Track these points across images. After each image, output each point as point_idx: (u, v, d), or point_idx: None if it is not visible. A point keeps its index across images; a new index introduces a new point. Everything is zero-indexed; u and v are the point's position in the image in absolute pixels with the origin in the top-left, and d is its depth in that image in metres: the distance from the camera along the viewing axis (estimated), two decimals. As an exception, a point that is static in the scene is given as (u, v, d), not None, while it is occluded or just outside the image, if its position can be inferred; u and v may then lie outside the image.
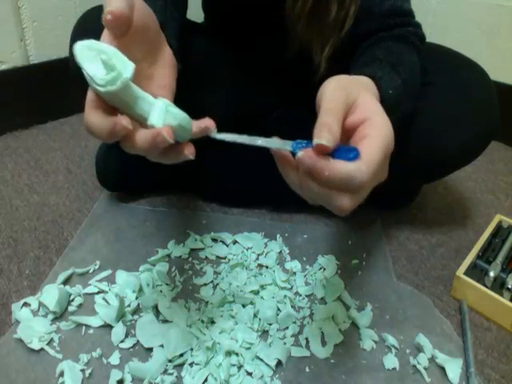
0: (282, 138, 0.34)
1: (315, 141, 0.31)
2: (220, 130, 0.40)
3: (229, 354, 0.50)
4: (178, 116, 0.36)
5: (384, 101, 0.42)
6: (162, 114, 0.35)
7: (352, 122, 0.34)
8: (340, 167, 0.30)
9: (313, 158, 0.31)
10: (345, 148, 0.32)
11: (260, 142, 0.36)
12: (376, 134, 0.33)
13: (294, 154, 0.33)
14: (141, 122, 0.36)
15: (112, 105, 0.34)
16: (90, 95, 0.34)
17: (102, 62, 0.32)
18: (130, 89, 0.34)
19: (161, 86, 0.42)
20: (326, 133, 0.31)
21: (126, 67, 0.33)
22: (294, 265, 0.65)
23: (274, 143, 0.35)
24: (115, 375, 0.47)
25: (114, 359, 0.49)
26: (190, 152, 0.38)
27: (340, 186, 0.31)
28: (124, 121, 0.33)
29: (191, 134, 0.38)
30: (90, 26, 0.63)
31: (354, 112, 0.34)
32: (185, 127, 0.37)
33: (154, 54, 0.42)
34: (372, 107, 0.35)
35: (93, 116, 0.34)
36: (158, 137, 0.34)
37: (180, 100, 0.46)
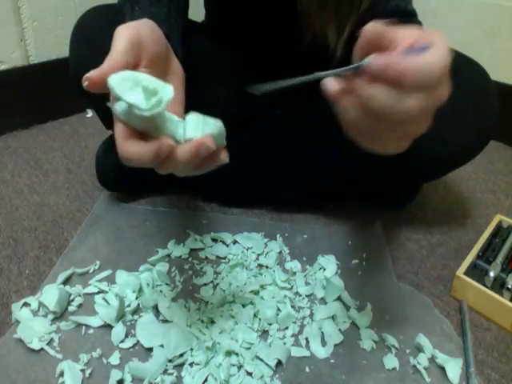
0: (282, 137, 0.34)
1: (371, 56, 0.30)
2: None
3: (229, 353, 0.50)
4: (217, 124, 0.38)
5: None
6: (198, 126, 0.37)
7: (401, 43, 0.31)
8: (417, 58, 0.28)
9: (385, 55, 0.29)
10: (414, 48, 0.29)
11: (310, 77, 0.34)
12: (440, 41, 0.30)
13: (356, 71, 0.31)
14: None
15: (142, 130, 0.35)
16: (119, 128, 0.35)
17: (142, 89, 0.34)
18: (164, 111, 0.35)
19: (175, 101, 0.43)
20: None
21: (164, 89, 0.34)
22: (294, 265, 0.65)
23: (324, 73, 0.33)
24: (115, 375, 0.47)
25: (114, 359, 0.49)
26: (225, 156, 0.39)
27: (418, 81, 0.29)
28: (167, 140, 0.34)
29: (225, 140, 0.39)
30: (89, 26, 0.63)
31: (402, 37, 0.31)
32: (222, 133, 0.38)
33: (165, 70, 0.44)
34: (417, 30, 0.32)
35: (131, 145, 0.34)
36: (202, 146, 0.35)
37: None
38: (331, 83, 0.33)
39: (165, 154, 0.35)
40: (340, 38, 0.57)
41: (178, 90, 0.45)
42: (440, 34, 0.31)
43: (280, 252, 0.67)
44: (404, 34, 0.31)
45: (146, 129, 0.35)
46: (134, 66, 0.38)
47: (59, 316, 0.54)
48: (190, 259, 0.65)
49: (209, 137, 0.36)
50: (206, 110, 0.41)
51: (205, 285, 0.60)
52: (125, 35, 0.38)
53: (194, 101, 0.50)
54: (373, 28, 0.32)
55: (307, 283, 0.62)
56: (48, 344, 0.51)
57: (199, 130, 0.37)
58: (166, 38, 0.45)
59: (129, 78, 0.34)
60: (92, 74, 0.35)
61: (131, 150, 0.34)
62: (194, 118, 0.38)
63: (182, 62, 0.47)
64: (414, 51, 0.29)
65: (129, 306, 0.56)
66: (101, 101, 0.39)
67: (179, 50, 0.47)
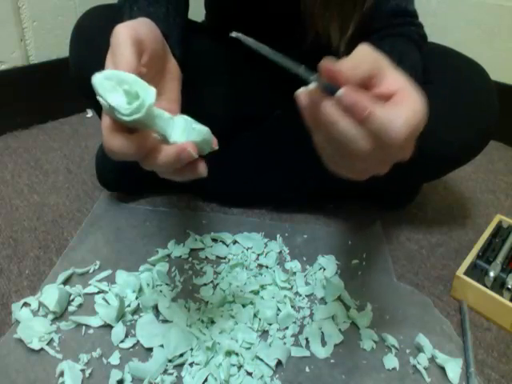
0: (282, 138, 0.34)
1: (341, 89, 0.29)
2: (219, 129, 0.40)
3: (229, 353, 0.50)
4: (201, 132, 0.37)
5: None
6: (184, 130, 0.36)
7: (384, 90, 0.32)
8: (382, 110, 0.29)
9: (358, 93, 0.29)
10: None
11: (284, 60, 0.33)
12: (410, 104, 0.31)
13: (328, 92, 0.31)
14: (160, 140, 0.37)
15: (131, 126, 0.35)
16: (105, 120, 0.35)
17: (124, 91, 0.33)
18: (150, 111, 0.35)
19: (170, 100, 0.43)
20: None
21: (147, 93, 0.34)
22: (294, 265, 0.65)
23: (291, 64, 0.32)
24: (115, 375, 0.47)
25: (114, 359, 0.49)
26: (203, 169, 0.38)
27: (379, 132, 0.29)
28: (151, 134, 0.34)
29: (212, 147, 0.39)
30: (90, 25, 0.63)
31: (385, 79, 0.32)
32: (208, 141, 0.38)
33: (162, 70, 0.44)
34: (404, 80, 0.32)
35: (115, 139, 0.34)
36: (184, 152, 0.35)
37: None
38: (303, 96, 0.32)
39: (147, 148, 0.34)
40: (343, 37, 0.57)
41: (174, 88, 0.45)
42: (418, 99, 0.31)
43: (280, 252, 0.67)
44: (392, 79, 0.31)
45: (133, 126, 0.35)
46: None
47: (59, 316, 0.54)
48: (190, 259, 0.65)
49: (192, 144, 0.36)
50: (206, 109, 0.41)
51: (205, 285, 0.60)
52: (127, 36, 0.37)
53: (193, 100, 0.50)
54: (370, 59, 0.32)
55: (307, 283, 0.62)
56: (48, 344, 0.51)
57: (184, 134, 0.36)
58: (164, 38, 0.45)
59: (112, 78, 0.33)
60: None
61: (115, 143, 0.34)
62: (181, 121, 0.37)
63: (179, 61, 0.46)
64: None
65: (129, 306, 0.56)
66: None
67: (177, 50, 0.47)
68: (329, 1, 0.54)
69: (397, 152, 0.32)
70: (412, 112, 0.30)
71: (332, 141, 0.32)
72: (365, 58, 0.32)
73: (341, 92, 0.29)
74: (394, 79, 0.32)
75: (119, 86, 0.33)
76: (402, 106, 0.30)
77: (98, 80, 0.33)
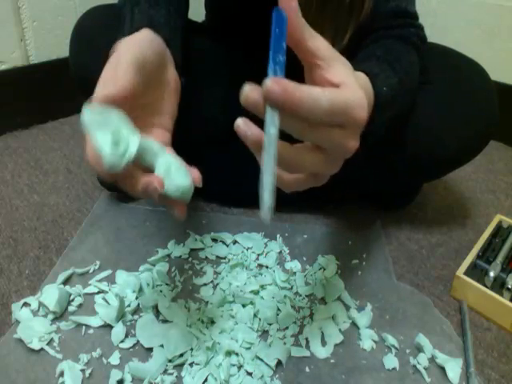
0: (281, 138, 0.34)
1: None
2: (218, 129, 0.40)
3: (229, 353, 0.50)
4: (184, 178, 0.38)
5: (378, 97, 0.43)
6: (167, 171, 0.37)
7: (323, 80, 0.32)
8: (310, 89, 0.29)
9: (282, 83, 0.28)
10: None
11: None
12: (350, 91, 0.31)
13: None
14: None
15: None
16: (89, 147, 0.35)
17: (110, 135, 0.33)
18: (135, 155, 0.35)
19: (165, 114, 0.44)
20: None
21: (131, 141, 0.34)
22: (294, 265, 0.65)
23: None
24: (115, 375, 0.47)
25: (114, 359, 0.49)
26: (179, 214, 0.38)
27: (308, 111, 0.29)
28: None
29: (189, 199, 0.39)
30: (90, 26, 0.63)
31: (328, 72, 0.32)
32: (187, 189, 0.38)
33: (159, 84, 0.44)
34: (346, 74, 0.32)
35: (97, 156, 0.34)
36: (150, 185, 0.35)
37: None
38: (251, 91, 0.31)
39: (123, 177, 0.35)
40: (336, 46, 0.57)
41: (170, 102, 0.45)
42: (357, 88, 0.31)
43: (280, 252, 0.67)
44: (336, 72, 0.32)
45: None
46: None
47: (59, 316, 0.54)
48: (190, 259, 0.65)
49: (159, 179, 0.36)
50: (204, 110, 0.41)
51: (205, 285, 0.60)
52: (130, 56, 0.38)
53: (192, 101, 0.50)
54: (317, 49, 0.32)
55: (307, 283, 0.62)
56: (48, 344, 0.51)
57: (168, 174, 0.37)
58: (165, 44, 0.45)
59: (101, 115, 0.34)
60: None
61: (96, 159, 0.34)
62: (166, 161, 0.37)
63: (179, 68, 0.47)
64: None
65: (129, 305, 0.56)
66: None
67: (178, 57, 0.47)
68: (324, 7, 0.54)
69: (335, 135, 0.32)
70: (341, 96, 0.30)
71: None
72: (316, 42, 0.32)
73: (266, 83, 0.28)
74: (336, 73, 0.32)
75: (106, 125, 0.33)
76: (331, 90, 0.30)
77: (88, 115, 0.33)
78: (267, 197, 0.30)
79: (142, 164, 0.37)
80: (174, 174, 0.37)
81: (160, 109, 0.44)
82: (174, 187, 0.37)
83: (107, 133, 0.33)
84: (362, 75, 0.42)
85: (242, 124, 0.31)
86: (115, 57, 0.38)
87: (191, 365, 0.49)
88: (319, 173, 0.35)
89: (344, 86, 0.31)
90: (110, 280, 0.60)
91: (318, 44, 0.32)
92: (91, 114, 0.34)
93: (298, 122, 0.30)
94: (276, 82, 0.28)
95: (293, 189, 0.36)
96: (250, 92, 0.30)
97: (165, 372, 0.48)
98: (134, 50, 0.39)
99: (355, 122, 0.32)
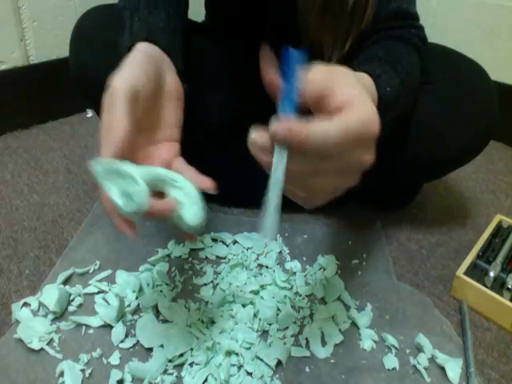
0: None
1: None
2: (218, 130, 0.40)
3: (229, 353, 0.50)
4: (191, 222, 0.41)
5: (382, 99, 0.42)
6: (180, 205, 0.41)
7: (332, 107, 0.32)
8: (315, 126, 0.30)
9: (285, 124, 0.30)
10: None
11: None
12: (352, 113, 0.31)
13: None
14: None
15: None
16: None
17: (120, 190, 0.36)
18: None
19: (169, 125, 0.44)
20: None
21: (140, 196, 0.36)
22: (294, 265, 0.65)
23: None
24: (115, 375, 0.47)
25: (114, 359, 0.49)
26: (129, 232, 0.40)
27: (317, 148, 0.30)
28: None
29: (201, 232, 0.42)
30: (90, 25, 0.63)
31: (334, 97, 0.32)
32: (194, 231, 0.41)
33: (160, 98, 0.44)
34: (351, 94, 0.32)
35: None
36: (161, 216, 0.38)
37: None
38: (259, 137, 0.32)
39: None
40: (335, 52, 0.57)
41: (173, 112, 0.45)
42: (365, 109, 0.31)
43: (280, 252, 0.67)
44: (340, 94, 0.32)
45: None
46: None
47: (59, 316, 0.54)
48: (190, 259, 0.65)
49: (174, 202, 0.39)
50: (205, 110, 0.41)
51: (205, 285, 0.60)
52: (122, 94, 0.38)
53: (193, 101, 0.50)
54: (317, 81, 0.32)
55: (307, 283, 0.62)
56: (48, 344, 0.51)
57: (180, 209, 0.40)
58: (165, 52, 0.45)
59: (113, 169, 0.36)
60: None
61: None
62: (178, 195, 0.40)
63: (182, 75, 0.46)
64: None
65: (129, 305, 0.56)
66: (101, 101, 0.39)
67: (179, 64, 0.47)
68: (324, 14, 0.54)
69: (360, 155, 0.33)
70: (352, 118, 0.30)
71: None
72: (314, 83, 0.32)
73: (272, 125, 0.30)
74: (342, 94, 0.32)
75: (118, 177, 0.36)
76: (340, 117, 0.30)
77: (99, 169, 0.36)
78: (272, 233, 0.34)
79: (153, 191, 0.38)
80: (186, 212, 0.40)
81: (164, 122, 0.44)
82: (186, 226, 0.40)
83: (118, 185, 0.36)
84: (365, 76, 0.42)
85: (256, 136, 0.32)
86: (109, 95, 0.38)
87: (191, 365, 0.49)
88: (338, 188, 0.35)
89: (352, 106, 0.31)
90: (110, 280, 0.60)
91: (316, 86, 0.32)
92: (101, 167, 0.36)
93: (312, 156, 0.31)
94: (280, 124, 0.29)
95: (316, 205, 0.37)
96: (258, 138, 0.31)
97: (165, 372, 0.48)
98: (127, 86, 0.38)
99: (371, 138, 0.32)
